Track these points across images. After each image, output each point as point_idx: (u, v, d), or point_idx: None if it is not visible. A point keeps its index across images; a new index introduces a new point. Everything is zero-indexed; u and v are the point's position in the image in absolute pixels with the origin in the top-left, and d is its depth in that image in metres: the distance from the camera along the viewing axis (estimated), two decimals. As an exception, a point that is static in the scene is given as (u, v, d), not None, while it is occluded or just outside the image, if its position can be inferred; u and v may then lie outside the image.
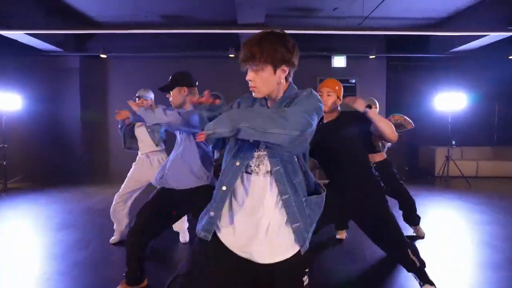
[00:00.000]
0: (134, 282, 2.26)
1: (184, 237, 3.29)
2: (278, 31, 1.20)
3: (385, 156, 3.43)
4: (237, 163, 1.21)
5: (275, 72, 1.17)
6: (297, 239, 1.19)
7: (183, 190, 2.10)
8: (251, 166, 1.21)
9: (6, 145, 6.06)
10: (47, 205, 4.93)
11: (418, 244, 3.27)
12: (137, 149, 3.32)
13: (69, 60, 6.80)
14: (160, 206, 2.15)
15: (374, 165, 3.27)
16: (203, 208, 1.29)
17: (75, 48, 6.81)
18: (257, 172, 1.20)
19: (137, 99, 3.39)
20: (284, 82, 1.23)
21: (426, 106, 7.29)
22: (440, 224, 4.01)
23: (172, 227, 3.26)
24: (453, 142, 6.58)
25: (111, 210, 3.20)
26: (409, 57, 7.24)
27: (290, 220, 1.17)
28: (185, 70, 2.35)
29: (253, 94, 1.23)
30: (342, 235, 3.38)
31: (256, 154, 1.21)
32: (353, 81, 7.18)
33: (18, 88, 6.40)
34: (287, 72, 1.20)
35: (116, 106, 7.06)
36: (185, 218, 3.28)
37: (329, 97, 2.18)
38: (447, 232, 3.67)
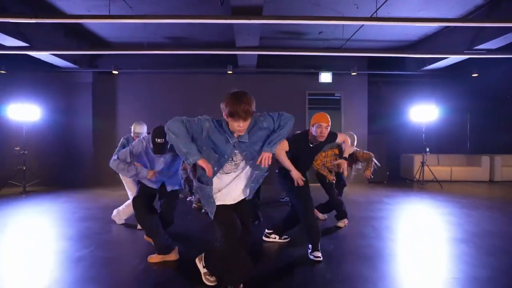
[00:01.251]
0: (163, 251, 2.93)
1: None
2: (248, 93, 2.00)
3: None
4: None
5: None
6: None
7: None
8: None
9: (26, 152, 6.81)
10: (66, 203, 5.67)
11: (400, 226, 4.12)
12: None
13: (83, 75, 7.64)
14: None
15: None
16: None
17: (89, 65, 7.67)
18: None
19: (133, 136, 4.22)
20: None
21: (403, 117, 8.24)
22: (412, 215, 4.89)
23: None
24: (427, 150, 7.48)
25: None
26: (387, 74, 8.22)
27: None
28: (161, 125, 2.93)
29: (239, 134, 2.04)
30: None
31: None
32: (339, 95, 8.13)
33: (37, 101, 7.19)
34: None
35: (124, 118, 8.00)
36: None
37: (327, 130, 2.99)
38: (418, 220, 4.52)
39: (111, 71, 7.38)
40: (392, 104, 8.54)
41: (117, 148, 4.13)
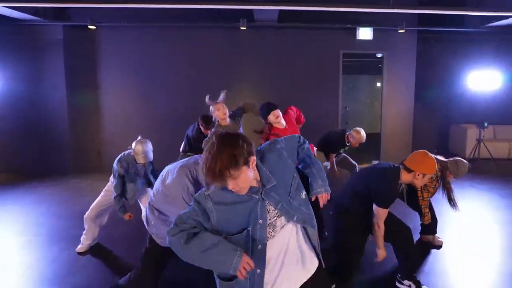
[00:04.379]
0: None
1: None
2: (227, 136, 1.35)
3: None
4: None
5: (249, 167, 1.35)
6: None
7: None
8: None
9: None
10: (32, 205, 4.83)
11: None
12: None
13: (49, 30, 6.29)
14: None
15: None
16: None
17: (56, 17, 6.29)
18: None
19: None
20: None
21: (459, 83, 7.27)
22: (466, 224, 4.13)
23: None
24: (486, 124, 6.62)
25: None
26: (442, 31, 7.10)
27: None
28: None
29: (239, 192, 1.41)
30: None
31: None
32: (380, 55, 7.07)
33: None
34: (255, 161, 1.40)
35: (109, 87, 6.76)
36: None
37: None
38: (473, 237, 3.78)
39: (87, 25, 6.06)
40: (446, 67, 7.46)
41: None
